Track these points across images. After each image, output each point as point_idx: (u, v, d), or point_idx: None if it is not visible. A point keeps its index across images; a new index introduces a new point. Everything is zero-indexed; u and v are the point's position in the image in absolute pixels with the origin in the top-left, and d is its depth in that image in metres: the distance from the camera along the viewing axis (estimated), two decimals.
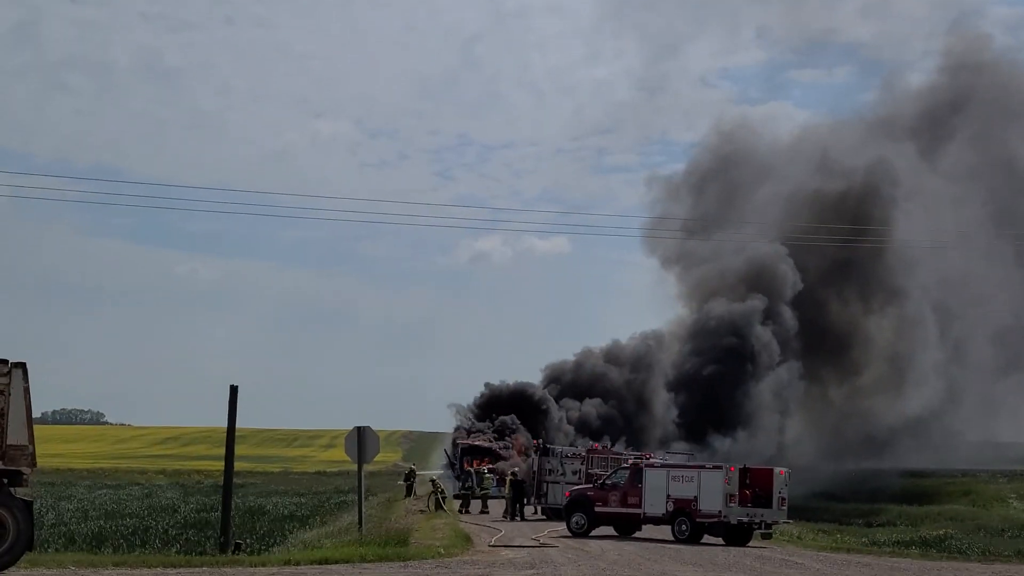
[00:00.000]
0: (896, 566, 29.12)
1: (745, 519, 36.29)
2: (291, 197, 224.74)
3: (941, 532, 46.40)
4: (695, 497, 36.58)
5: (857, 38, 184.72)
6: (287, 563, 24.07)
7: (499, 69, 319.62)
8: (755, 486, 37.06)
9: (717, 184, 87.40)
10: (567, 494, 41.50)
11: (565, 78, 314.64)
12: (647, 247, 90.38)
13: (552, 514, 48.12)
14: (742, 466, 37.75)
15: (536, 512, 49.50)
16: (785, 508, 37.43)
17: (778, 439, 76.47)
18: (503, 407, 74.21)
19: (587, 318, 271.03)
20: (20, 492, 20.87)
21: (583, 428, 72.97)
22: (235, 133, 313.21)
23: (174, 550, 33.25)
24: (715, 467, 37.34)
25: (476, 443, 69.43)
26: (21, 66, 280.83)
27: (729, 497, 36.09)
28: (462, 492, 55.48)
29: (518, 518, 48.31)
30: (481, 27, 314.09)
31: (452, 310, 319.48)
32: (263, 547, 34.38)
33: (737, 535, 36.36)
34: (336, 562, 24.49)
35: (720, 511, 36.02)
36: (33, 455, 20.51)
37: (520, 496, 50.19)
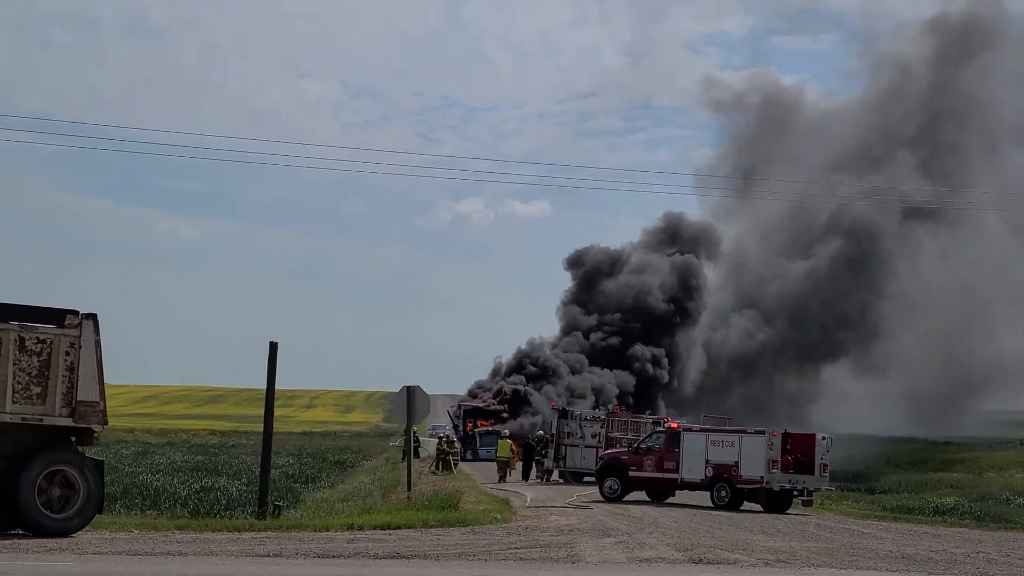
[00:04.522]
0: (964, 536, 28.38)
1: (787, 485, 35.48)
2: (273, 156, 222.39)
3: (951, 500, 45.85)
4: (736, 462, 35.68)
5: (843, 5, 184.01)
6: (350, 527, 23.03)
7: (484, 31, 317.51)
8: (796, 452, 36.21)
9: (768, 139, 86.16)
10: (600, 458, 40.65)
11: (550, 41, 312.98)
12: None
13: (571, 477, 47.40)
14: (783, 431, 36.89)
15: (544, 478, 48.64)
16: (827, 475, 36.68)
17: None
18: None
19: (567, 281, 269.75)
20: (90, 450, 19.77)
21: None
22: (219, 92, 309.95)
23: (186, 511, 32.24)
24: (757, 432, 36.45)
25: (479, 405, 68.53)
26: (5, 20, 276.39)
27: (771, 463, 35.24)
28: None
29: (538, 480, 47.62)
30: None
31: (433, 271, 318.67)
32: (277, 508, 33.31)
33: (777, 502, 35.56)
34: (399, 527, 23.47)
35: (762, 477, 35.16)
36: (104, 412, 19.39)
37: (530, 459, 49.44)
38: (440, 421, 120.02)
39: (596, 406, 51.47)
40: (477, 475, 49.86)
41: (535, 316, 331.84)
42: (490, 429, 65.41)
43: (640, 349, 72.47)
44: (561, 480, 47.77)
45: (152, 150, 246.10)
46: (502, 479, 46.67)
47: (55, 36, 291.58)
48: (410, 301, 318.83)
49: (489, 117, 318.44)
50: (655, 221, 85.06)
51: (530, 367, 70.74)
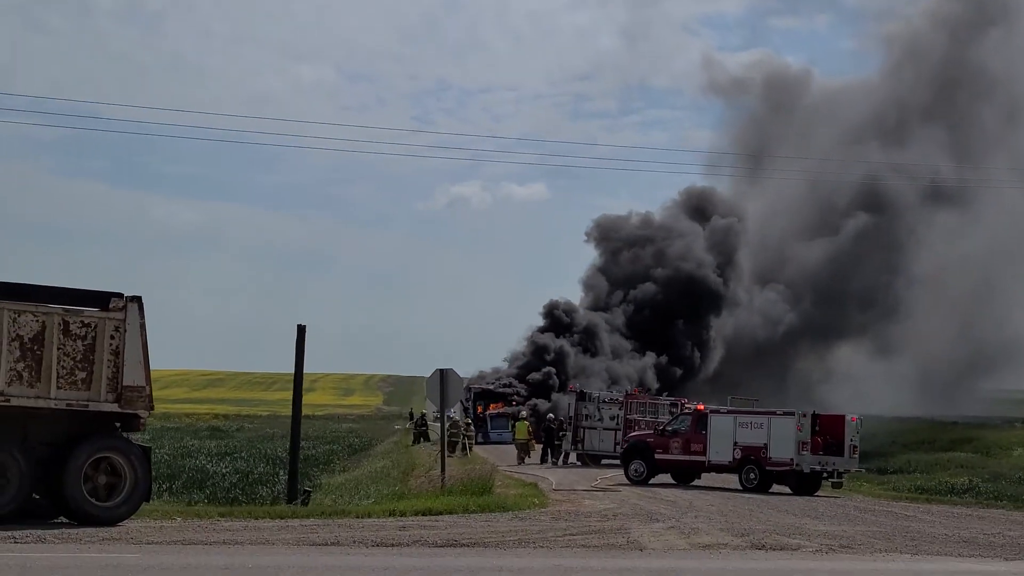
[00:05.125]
0: (1008, 518, 27.99)
1: (817, 467, 35.02)
2: (270, 140, 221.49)
3: (964, 480, 45.47)
4: (765, 444, 35.19)
5: None
6: (392, 514, 22.56)
7: (479, 13, 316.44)
8: (826, 433, 35.70)
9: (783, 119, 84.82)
10: (625, 440, 40.20)
11: (546, 23, 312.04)
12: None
13: (589, 460, 46.99)
14: (812, 411, 36.37)
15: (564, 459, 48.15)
16: (856, 456, 36.19)
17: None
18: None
19: (565, 264, 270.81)
20: (136, 437, 19.27)
21: None
22: (215, 77, 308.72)
23: (203, 495, 31.86)
24: (786, 413, 35.93)
25: (488, 387, 68.00)
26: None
27: (801, 444, 34.75)
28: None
29: (554, 463, 47.21)
30: None
31: (430, 255, 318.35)
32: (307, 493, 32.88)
33: (806, 484, 35.11)
34: (440, 513, 23.01)
35: (792, 459, 34.67)
36: (150, 397, 18.83)
37: (551, 441, 48.94)
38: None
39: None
40: (492, 458, 49.36)
41: (535, 297, 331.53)
42: (501, 412, 64.99)
43: (684, 329, 69.70)
44: (579, 463, 47.33)
45: (148, 133, 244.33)
46: (522, 461, 46.34)
47: (50, 21, 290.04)
48: (409, 284, 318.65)
49: (484, 99, 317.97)
50: (673, 198, 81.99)
51: (571, 333, 67.97)
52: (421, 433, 64.93)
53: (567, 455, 47.96)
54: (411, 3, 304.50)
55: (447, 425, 60.45)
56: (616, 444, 46.19)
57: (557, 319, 70.58)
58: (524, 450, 48.03)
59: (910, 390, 76.55)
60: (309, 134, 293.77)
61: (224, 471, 38.74)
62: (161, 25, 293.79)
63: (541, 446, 49.69)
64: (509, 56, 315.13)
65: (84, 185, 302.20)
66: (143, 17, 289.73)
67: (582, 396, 48.30)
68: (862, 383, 75.71)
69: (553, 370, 66.01)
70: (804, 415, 35.30)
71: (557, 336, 68.80)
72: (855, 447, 35.95)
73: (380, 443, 70.32)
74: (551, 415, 53.60)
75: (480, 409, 66.20)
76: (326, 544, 16.78)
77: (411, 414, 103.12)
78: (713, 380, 71.47)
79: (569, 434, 47.83)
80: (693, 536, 19.73)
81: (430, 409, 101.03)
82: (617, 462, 45.17)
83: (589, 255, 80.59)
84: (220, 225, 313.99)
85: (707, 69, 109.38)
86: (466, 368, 76.12)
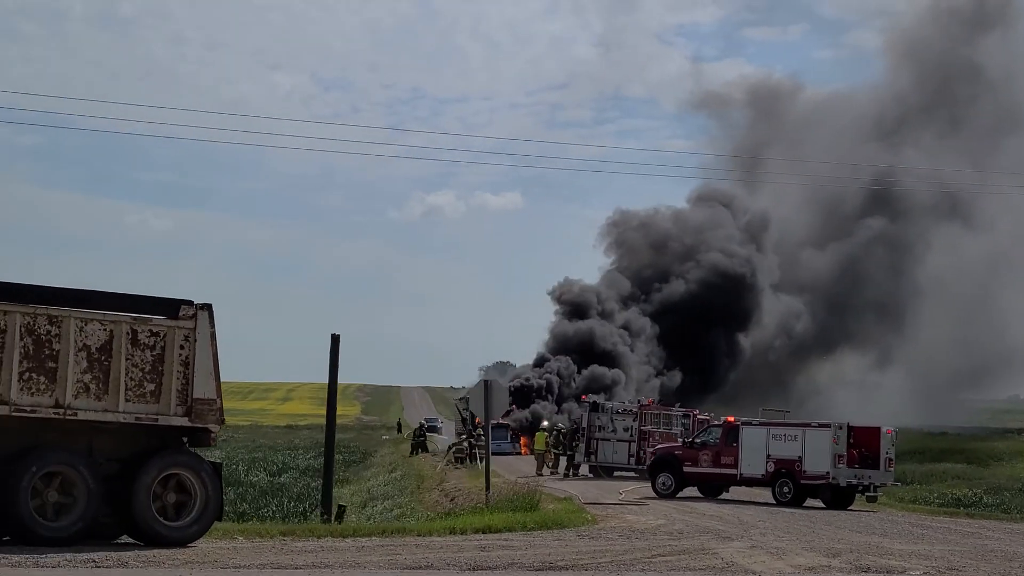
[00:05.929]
0: None
1: (853, 481, 34.30)
2: (243, 147, 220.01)
3: (967, 492, 44.91)
4: (799, 457, 34.48)
5: None
6: (452, 532, 21.63)
7: (455, 22, 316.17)
8: (860, 446, 35.02)
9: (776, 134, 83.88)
10: (651, 453, 39.39)
11: (521, 32, 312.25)
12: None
13: (602, 472, 46.25)
14: (847, 424, 35.65)
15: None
16: (892, 470, 35.51)
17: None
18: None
19: (539, 272, 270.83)
20: (207, 453, 18.23)
21: None
22: (189, 84, 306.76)
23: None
24: (821, 425, 35.25)
25: None
26: None
27: (837, 457, 34.06)
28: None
29: (566, 474, 46.41)
30: None
31: (404, 263, 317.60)
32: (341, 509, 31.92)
33: (841, 498, 34.41)
34: (500, 531, 22.10)
35: (828, 472, 33.96)
36: (221, 410, 17.76)
37: (570, 448, 48.08)
38: (419, 413, 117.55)
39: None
40: (499, 469, 48.41)
41: (510, 306, 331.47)
42: (500, 422, 63.94)
43: (719, 340, 67.60)
44: (591, 475, 46.53)
45: (122, 142, 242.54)
46: (540, 473, 45.58)
47: (22, 28, 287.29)
48: (384, 293, 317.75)
49: (459, 108, 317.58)
50: (683, 200, 79.94)
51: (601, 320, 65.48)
52: (419, 444, 64.08)
53: (578, 466, 47.20)
54: (386, 11, 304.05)
55: (454, 438, 59.70)
56: (630, 456, 45.65)
57: (586, 305, 68.06)
58: (542, 461, 47.22)
59: (906, 400, 76.14)
60: (283, 140, 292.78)
61: (252, 481, 37.65)
62: (133, 32, 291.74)
63: (555, 456, 48.79)
64: (484, 65, 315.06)
65: (58, 193, 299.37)
66: (115, 23, 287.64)
67: (595, 407, 47.51)
68: (859, 393, 75.25)
69: (620, 372, 63.96)
70: (840, 427, 34.63)
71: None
72: (891, 460, 35.32)
73: (375, 454, 69.36)
74: (560, 424, 52.74)
75: (478, 420, 65.07)
76: (419, 568, 15.78)
77: (399, 425, 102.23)
78: (720, 391, 70.58)
79: (581, 445, 47.02)
80: (785, 557, 18.83)
81: (425, 419, 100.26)
82: (630, 474, 44.65)
83: (567, 263, 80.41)
84: (193, 232, 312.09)
85: (693, 80, 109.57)
86: (440, 379, 75.17)
